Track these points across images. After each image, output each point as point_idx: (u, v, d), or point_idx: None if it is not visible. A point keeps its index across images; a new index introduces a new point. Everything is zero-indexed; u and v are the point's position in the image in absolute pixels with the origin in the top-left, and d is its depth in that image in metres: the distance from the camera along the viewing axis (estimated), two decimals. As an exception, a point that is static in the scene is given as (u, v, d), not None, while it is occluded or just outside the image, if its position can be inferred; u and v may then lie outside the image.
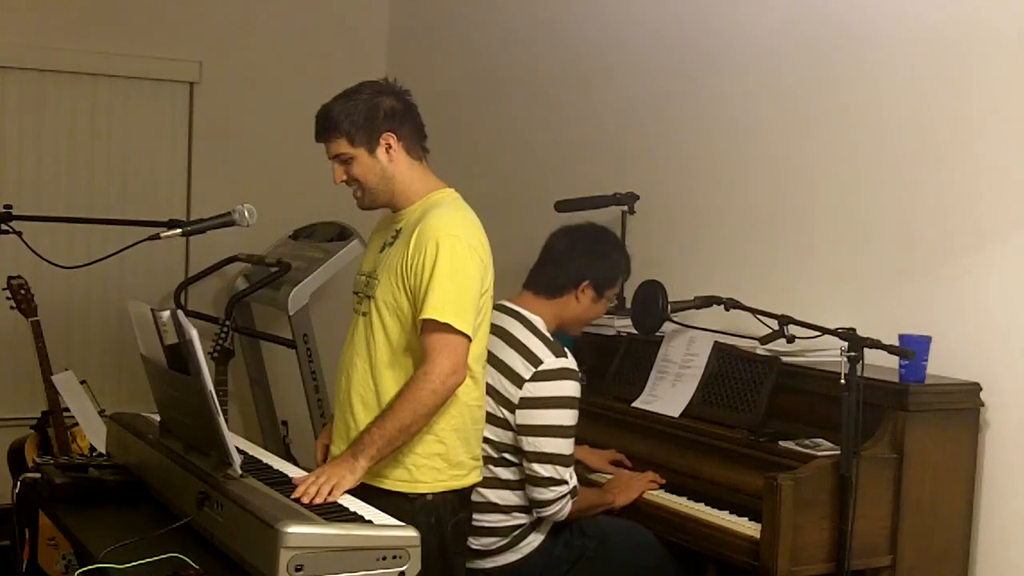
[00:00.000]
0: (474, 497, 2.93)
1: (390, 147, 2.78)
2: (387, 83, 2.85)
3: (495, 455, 3.03)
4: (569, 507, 3.05)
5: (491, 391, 3.00)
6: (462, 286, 2.68)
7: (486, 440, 2.96)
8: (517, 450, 3.04)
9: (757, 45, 3.71)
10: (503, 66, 4.97)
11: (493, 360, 3.00)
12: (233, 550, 2.26)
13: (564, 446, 3.02)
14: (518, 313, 3.12)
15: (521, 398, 3.00)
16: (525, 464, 3.02)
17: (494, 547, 3.07)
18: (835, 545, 2.79)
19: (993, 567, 3.01)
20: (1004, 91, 3.00)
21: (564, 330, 3.22)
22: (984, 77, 3.05)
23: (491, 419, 3.00)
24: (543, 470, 3.00)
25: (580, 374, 3.09)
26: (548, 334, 3.11)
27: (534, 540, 3.10)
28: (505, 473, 3.06)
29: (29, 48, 5.01)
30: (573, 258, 3.17)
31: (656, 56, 4.12)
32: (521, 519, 3.08)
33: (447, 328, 2.65)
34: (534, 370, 3.01)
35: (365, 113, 2.76)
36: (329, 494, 2.46)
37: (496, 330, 3.02)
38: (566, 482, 3.02)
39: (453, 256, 2.67)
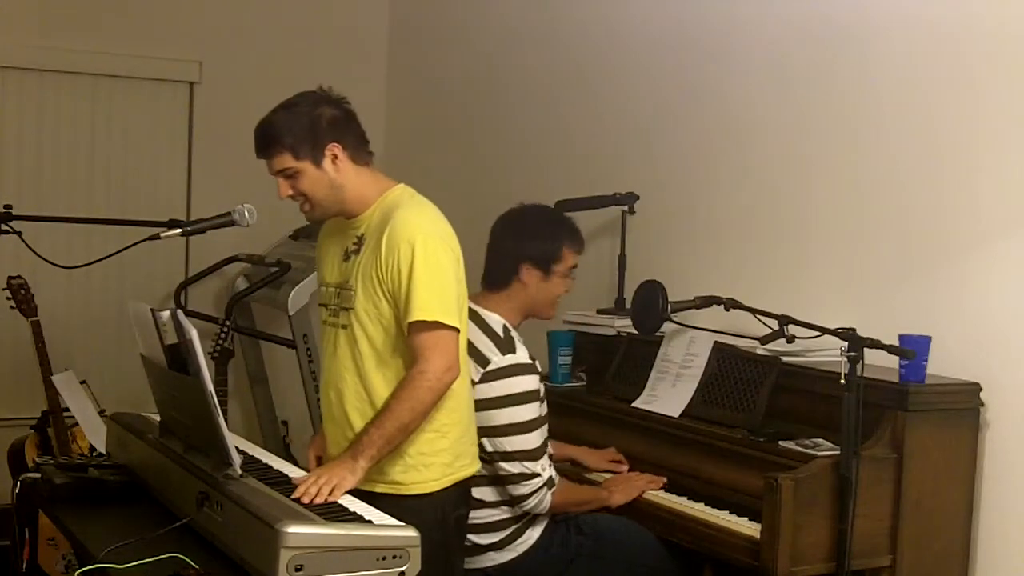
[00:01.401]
0: None
1: (336, 157, 2.75)
2: (324, 92, 2.82)
3: None
4: (549, 498, 3.05)
5: None
6: (442, 281, 2.69)
7: None
8: (482, 448, 3.03)
9: (757, 45, 3.71)
10: (503, 66, 4.96)
11: None
12: (233, 550, 2.26)
13: (527, 441, 3.02)
14: (474, 312, 3.07)
15: (475, 400, 2.98)
16: (495, 464, 3.02)
17: (489, 544, 3.07)
18: (835, 545, 2.79)
19: (993, 567, 3.01)
20: (1004, 91, 2.99)
21: (535, 316, 3.20)
22: (984, 77, 3.05)
23: None
24: (511, 467, 3.01)
25: (534, 365, 3.07)
26: (501, 330, 3.09)
27: (529, 538, 3.10)
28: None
29: (29, 48, 5.00)
30: (505, 245, 3.17)
31: (656, 56, 4.12)
32: (508, 512, 3.08)
33: (436, 325, 2.66)
34: (483, 371, 3.02)
35: (307, 126, 2.73)
36: (329, 495, 2.46)
37: None
38: (538, 475, 3.02)
39: (427, 254, 2.67)
